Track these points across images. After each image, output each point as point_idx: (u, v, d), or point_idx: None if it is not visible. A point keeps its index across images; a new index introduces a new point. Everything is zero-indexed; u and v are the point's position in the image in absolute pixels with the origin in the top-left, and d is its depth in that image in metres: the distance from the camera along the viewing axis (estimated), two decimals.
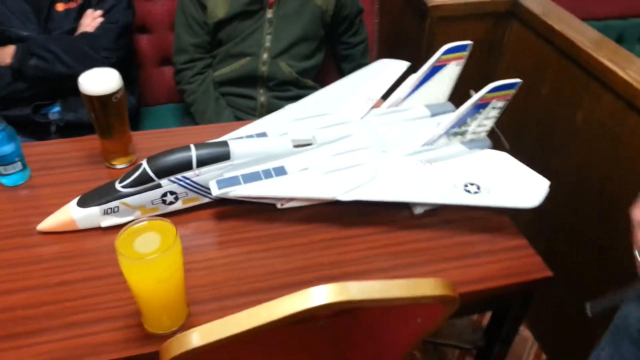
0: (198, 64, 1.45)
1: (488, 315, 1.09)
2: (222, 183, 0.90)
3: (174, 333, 0.74)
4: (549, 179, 0.96)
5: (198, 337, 0.60)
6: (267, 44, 1.41)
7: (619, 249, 1.25)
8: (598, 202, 1.29)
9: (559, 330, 1.54)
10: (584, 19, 1.65)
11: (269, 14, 1.40)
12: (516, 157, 1.01)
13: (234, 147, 0.92)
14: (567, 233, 1.42)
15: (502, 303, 0.97)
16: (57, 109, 1.36)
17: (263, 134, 1.02)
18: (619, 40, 1.93)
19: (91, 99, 0.93)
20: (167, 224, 0.69)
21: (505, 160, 1.01)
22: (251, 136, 1.02)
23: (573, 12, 1.52)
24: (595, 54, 1.22)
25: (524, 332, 1.64)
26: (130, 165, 1.03)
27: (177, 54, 1.46)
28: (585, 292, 1.38)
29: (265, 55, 1.42)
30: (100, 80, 0.94)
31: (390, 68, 1.23)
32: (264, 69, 1.43)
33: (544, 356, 1.58)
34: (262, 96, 1.47)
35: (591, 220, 1.32)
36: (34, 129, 1.32)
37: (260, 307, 0.61)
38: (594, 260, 1.33)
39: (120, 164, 1.03)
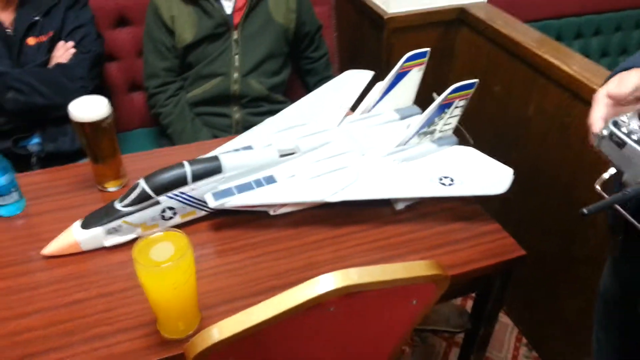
0: (170, 86, 1.49)
1: (472, 302, 1.17)
2: (217, 195, 0.95)
3: (189, 337, 0.79)
4: None
5: (218, 332, 0.66)
6: (237, 64, 1.48)
7: (578, 231, 1.36)
8: (554, 188, 1.40)
9: (533, 313, 1.64)
10: (524, 21, 1.79)
11: (235, 35, 1.47)
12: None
13: (225, 161, 0.97)
14: (531, 220, 1.53)
15: (484, 285, 1.06)
16: (36, 140, 1.37)
17: (249, 147, 1.08)
18: (558, 38, 2.09)
19: (83, 125, 0.98)
20: (179, 234, 0.74)
21: (472, 154, 1.11)
22: (237, 150, 1.08)
23: (514, 16, 1.66)
24: (539, 52, 1.34)
25: (504, 318, 1.74)
26: (123, 187, 1.07)
27: (148, 79, 1.50)
28: (552, 274, 1.49)
29: (235, 75, 1.48)
30: (90, 108, 0.98)
31: (357, 78, 1.32)
32: (235, 87, 1.49)
33: (524, 340, 1.69)
34: (236, 113, 1.52)
35: (550, 205, 1.44)
36: (14, 162, 1.32)
37: (274, 298, 0.67)
38: (557, 244, 1.44)
39: (112, 187, 1.07)
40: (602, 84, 0.70)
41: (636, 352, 0.90)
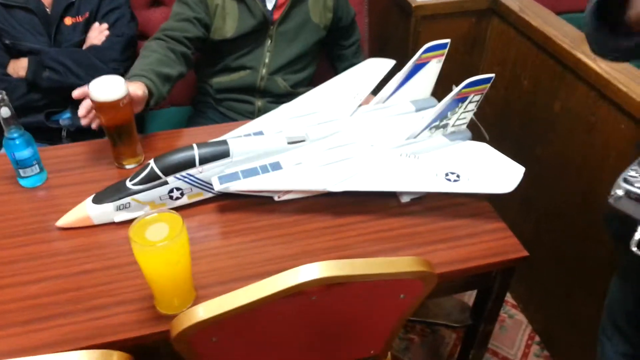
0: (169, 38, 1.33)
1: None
2: (223, 179, 0.98)
3: None
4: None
5: (203, 311, 0.69)
6: (267, 60, 1.47)
7: (593, 235, 1.32)
8: (577, 186, 1.36)
9: (549, 313, 1.61)
10: (566, 12, 1.71)
11: (271, 30, 1.46)
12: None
13: (233, 146, 1.00)
14: (551, 220, 1.49)
15: (486, 282, 1.05)
16: (67, 115, 1.44)
17: (259, 133, 1.11)
18: None
19: (101, 105, 1.02)
20: (174, 215, 0.78)
21: (484, 150, 1.10)
22: (249, 135, 1.11)
23: (555, 5, 1.59)
24: (568, 48, 1.30)
25: (518, 315, 1.72)
26: (139, 165, 1.12)
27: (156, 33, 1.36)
28: (569, 276, 1.46)
29: (263, 71, 1.47)
30: (108, 88, 1.02)
31: (378, 66, 1.31)
32: (261, 83, 1.49)
33: (537, 338, 1.66)
34: (259, 101, 1.54)
35: (569, 206, 1.40)
36: (46, 135, 1.40)
37: (256, 284, 0.70)
38: (574, 246, 1.41)
39: (129, 164, 1.11)
40: None
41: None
